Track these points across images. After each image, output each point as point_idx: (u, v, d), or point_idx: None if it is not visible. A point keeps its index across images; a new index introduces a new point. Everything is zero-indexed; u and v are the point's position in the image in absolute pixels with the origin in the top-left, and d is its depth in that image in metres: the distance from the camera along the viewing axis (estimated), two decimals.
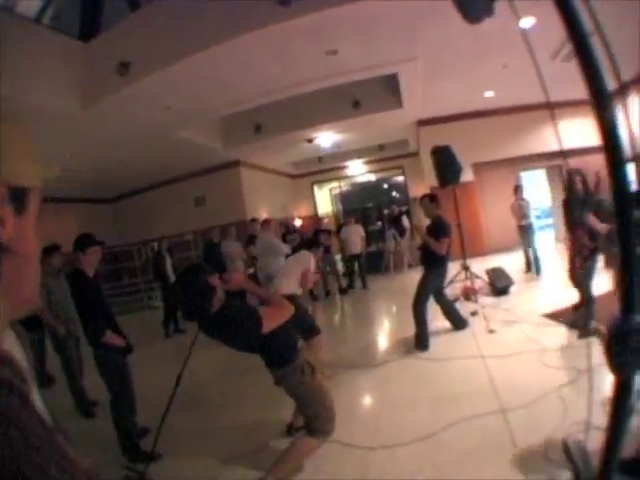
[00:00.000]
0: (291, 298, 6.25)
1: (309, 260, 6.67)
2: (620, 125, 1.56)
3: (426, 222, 8.12)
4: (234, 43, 7.97)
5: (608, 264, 6.89)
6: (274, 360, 3.86)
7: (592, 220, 6.30)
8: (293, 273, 6.52)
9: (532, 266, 11.93)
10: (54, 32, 8.72)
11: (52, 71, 8.44)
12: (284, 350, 3.84)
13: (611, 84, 1.65)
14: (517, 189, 12.57)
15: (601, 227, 6.22)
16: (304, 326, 6.39)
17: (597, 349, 3.03)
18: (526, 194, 12.51)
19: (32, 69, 7.79)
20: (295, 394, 3.93)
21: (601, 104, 1.55)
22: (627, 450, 3.16)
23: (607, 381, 4.99)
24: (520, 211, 12.16)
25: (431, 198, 7.89)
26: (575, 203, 6.52)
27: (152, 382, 6.68)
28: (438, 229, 7.52)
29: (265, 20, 7.62)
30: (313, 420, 3.89)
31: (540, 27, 8.63)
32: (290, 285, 6.40)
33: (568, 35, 1.56)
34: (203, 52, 8.14)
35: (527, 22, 8.42)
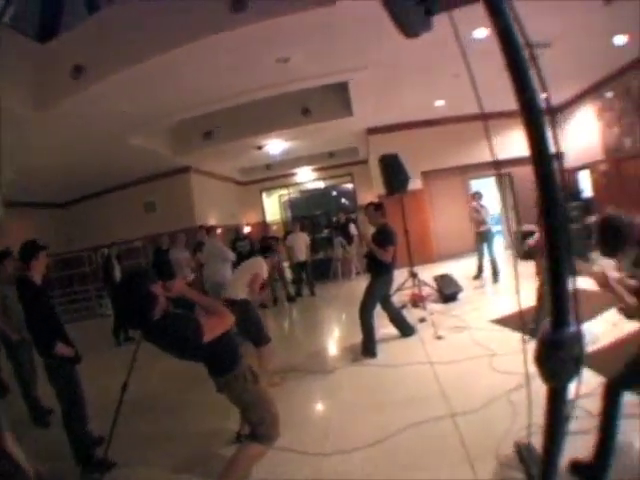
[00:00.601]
0: (245, 304, 6.26)
1: (261, 266, 6.67)
2: (549, 137, 1.59)
3: (372, 230, 8.17)
4: (187, 49, 7.93)
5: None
6: (216, 368, 3.83)
7: None
8: (245, 279, 6.51)
9: (493, 273, 11.94)
10: (12, 31, 8.53)
11: (7, 70, 8.24)
12: (225, 358, 3.81)
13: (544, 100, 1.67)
14: (476, 195, 12.70)
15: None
16: (256, 333, 6.40)
17: None
18: (484, 201, 12.66)
19: None
20: (239, 401, 3.90)
21: (530, 116, 1.58)
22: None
23: None
24: (479, 217, 12.26)
25: (376, 207, 7.98)
26: None
27: (104, 391, 6.59)
28: (383, 237, 7.58)
29: (218, 26, 7.60)
30: (258, 426, 3.86)
31: (493, 37, 8.80)
32: (240, 291, 6.39)
33: (502, 49, 1.59)
34: (156, 58, 8.08)
35: (481, 33, 8.54)
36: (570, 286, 1.68)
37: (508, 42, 1.57)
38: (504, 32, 1.57)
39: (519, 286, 2.56)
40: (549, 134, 1.60)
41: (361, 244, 8.69)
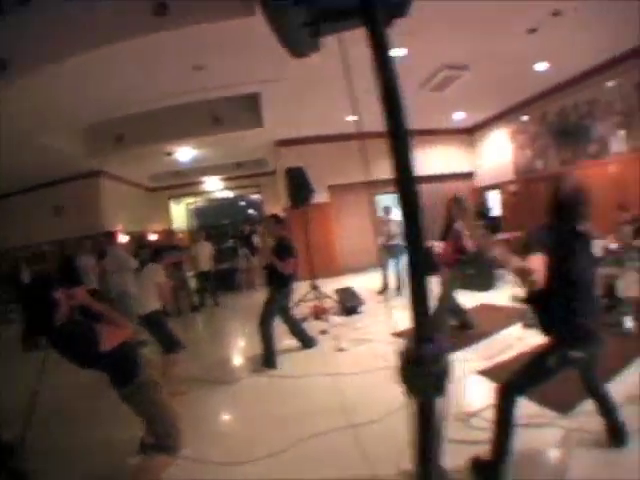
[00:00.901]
0: (155, 314, 6.23)
1: (157, 273, 6.66)
2: (412, 159, 1.67)
3: (272, 242, 8.24)
4: (106, 50, 7.79)
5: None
6: (117, 378, 3.79)
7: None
8: (150, 288, 6.47)
9: (397, 287, 11.80)
10: None
11: None
12: (126, 368, 3.78)
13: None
14: (387, 209, 12.69)
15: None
16: (169, 339, 6.39)
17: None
18: (394, 214, 12.53)
19: None
20: (142, 412, 3.86)
21: (396, 140, 1.65)
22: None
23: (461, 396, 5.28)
24: (388, 230, 12.19)
25: (277, 219, 8.09)
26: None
27: (16, 399, 6.40)
28: (282, 249, 7.68)
29: (139, 29, 7.51)
30: (163, 437, 3.84)
31: (411, 57, 9.04)
32: (151, 302, 6.37)
33: (376, 73, 1.65)
34: (73, 57, 7.89)
35: (399, 52, 8.74)
36: (431, 303, 1.75)
37: (382, 65, 1.64)
38: (380, 57, 1.64)
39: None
40: (413, 157, 1.67)
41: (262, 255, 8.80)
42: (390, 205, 12.86)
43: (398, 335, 7.93)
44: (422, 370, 1.65)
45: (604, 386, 4.01)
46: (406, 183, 1.65)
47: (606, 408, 3.95)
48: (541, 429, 4.34)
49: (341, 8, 1.63)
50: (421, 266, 1.66)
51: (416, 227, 1.65)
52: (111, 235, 11.15)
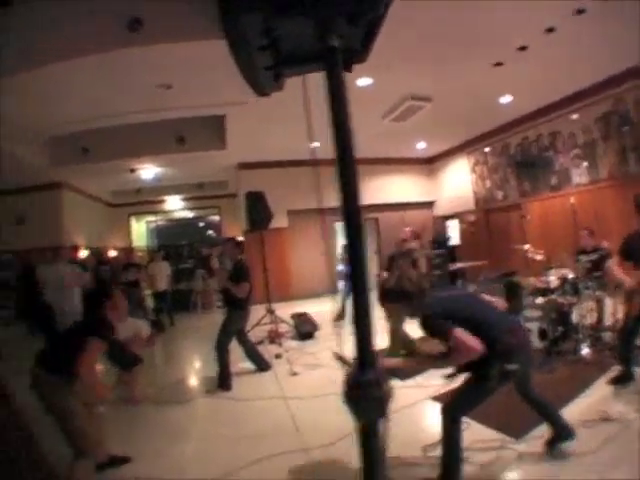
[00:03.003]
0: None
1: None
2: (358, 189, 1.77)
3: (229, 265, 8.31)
4: (76, 62, 7.80)
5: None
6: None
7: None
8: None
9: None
10: None
11: None
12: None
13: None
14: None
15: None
16: (127, 356, 6.39)
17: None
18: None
19: None
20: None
21: (344, 169, 1.75)
22: None
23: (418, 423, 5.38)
24: (345, 257, 12.15)
25: (236, 243, 8.22)
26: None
27: None
28: (238, 273, 7.74)
29: (111, 43, 7.54)
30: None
31: (376, 86, 9.21)
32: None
33: (331, 109, 1.75)
34: (42, 67, 7.86)
35: (364, 81, 8.90)
36: (372, 330, 1.85)
37: (336, 109, 1.74)
38: (335, 100, 1.74)
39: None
40: (359, 186, 1.78)
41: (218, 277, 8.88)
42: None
43: (337, 359, 8.04)
44: (363, 394, 1.74)
45: (540, 395, 4.23)
46: (351, 210, 1.75)
47: (547, 411, 4.20)
48: (496, 452, 4.44)
49: (303, 54, 1.73)
50: (363, 292, 1.75)
51: (359, 253, 1.75)
52: (59, 251, 10.99)
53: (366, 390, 1.74)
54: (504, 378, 3.66)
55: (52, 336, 4.14)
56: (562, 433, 4.13)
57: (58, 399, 3.87)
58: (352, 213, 1.75)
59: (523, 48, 8.56)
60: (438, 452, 3.95)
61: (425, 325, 3.78)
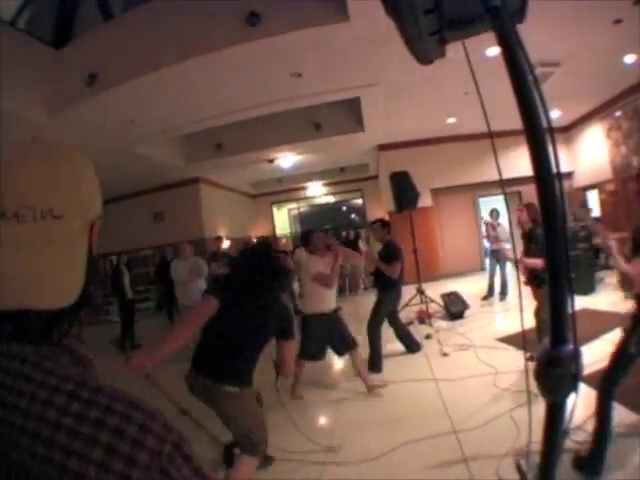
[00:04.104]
0: None
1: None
2: (552, 158, 1.63)
3: (379, 247, 8.26)
4: (200, 60, 7.97)
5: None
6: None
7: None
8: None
9: (501, 292, 11.77)
10: (28, 36, 8.58)
11: (21, 75, 8.20)
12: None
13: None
14: (493, 213, 12.46)
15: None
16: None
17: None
18: (502, 219, 12.28)
19: (3, 72, 7.65)
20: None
21: (534, 138, 1.61)
22: None
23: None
24: (495, 234, 11.98)
25: (383, 224, 8.06)
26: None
27: None
28: (390, 253, 7.62)
29: (234, 39, 7.65)
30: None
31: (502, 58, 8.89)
32: None
33: (509, 73, 1.63)
34: (169, 68, 8.10)
35: (493, 51, 8.62)
36: (569, 306, 1.72)
37: (514, 67, 1.62)
38: (510, 58, 1.62)
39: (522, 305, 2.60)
40: (552, 155, 1.64)
41: (367, 260, 8.70)
42: (497, 209, 12.65)
43: (502, 341, 7.82)
44: (557, 371, 1.63)
45: None
46: (545, 181, 1.62)
47: None
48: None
49: (469, 15, 1.63)
50: (559, 268, 1.63)
51: (554, 226, 1.63)
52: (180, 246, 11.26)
53: (561, 366, 1.63)
54: None
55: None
56: None
57: (231, 404, 3.76)
58: (546, 184, 1.62)
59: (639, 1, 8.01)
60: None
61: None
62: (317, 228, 7.61)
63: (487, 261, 12.39)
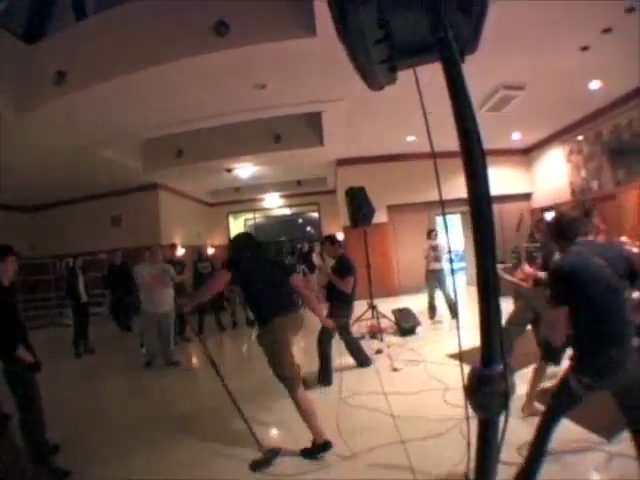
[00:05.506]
0: None
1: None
2: (487, 180, 1.71)
3: (332, 262, 8.36)
4: (166, 67, 8.00)
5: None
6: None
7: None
8: None
9: (449, 309, 11.65)
10: (1, 29, 8.53)
11: None
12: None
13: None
14: (430, 233, 12.44)
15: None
16: None
17: None
18: (441, 238, 12.30)
19: None
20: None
21: (470, 163, 1.70)
22: None
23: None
24: (431, 255, 11.98)
25: (332, 241, 8.21)
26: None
27: (61, 401, 6.55)
28: (342, 268, 7.76)
29: (201, 48, 7.69)
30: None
31: (469, 78, 9.05)
32: None
33: (452, 100, 1.72)
34: (132, 74, 8.13)
35: None
36: (499, 325, 1.80)
37: (456, 95, 1.72)
38: (453, 86, 1.72)
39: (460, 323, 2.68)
40: (488, 177, 1.73)
41: (321, 273, 8.74)
42: (435, 229, 12.91)
43: (453, 357, 7.94)
44: (487, 389, 1.72)
45: None
46: (481, 202, 1.71)
47: None
48: (586, 454, 4.29)
49: (416, 46, 1.73)
50: (489, 287, 1.71)
51: (488, 247, 1.71)
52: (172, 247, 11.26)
53: (491, 384, 1.72)
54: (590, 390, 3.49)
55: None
56: None
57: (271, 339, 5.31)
58: (481, 206, 1.70)
59: (607, 30, 8.27)
60: None
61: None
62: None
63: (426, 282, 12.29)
